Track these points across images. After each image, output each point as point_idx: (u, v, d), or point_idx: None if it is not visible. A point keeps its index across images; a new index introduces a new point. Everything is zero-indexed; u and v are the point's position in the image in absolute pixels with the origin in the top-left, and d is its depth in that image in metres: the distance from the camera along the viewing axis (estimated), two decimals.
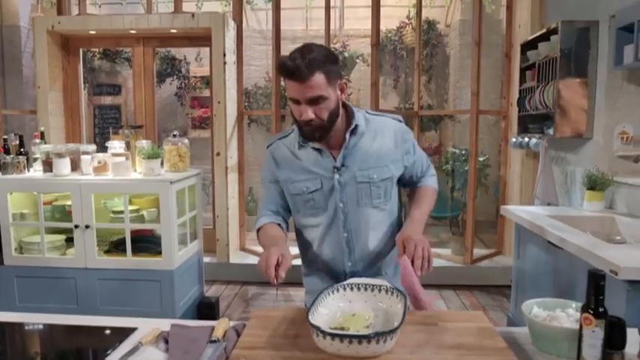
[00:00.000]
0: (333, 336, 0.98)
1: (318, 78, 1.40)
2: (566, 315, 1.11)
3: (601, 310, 0.93)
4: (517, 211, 2.89)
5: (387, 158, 1.57)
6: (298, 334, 1.12)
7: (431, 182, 1.71)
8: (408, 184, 1.70)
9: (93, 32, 4.41)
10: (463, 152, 4.70)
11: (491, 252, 4.50)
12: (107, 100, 7.15)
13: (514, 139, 3.81)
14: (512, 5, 4.30)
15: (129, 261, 3.05)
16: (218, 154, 4.27)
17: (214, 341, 1.12)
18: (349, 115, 1.57)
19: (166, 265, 3.00)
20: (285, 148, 1.63)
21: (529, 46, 3.61)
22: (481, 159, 4.58)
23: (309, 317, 1.06)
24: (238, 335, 1.15)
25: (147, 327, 1.27)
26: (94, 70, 6.92)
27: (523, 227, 2.76)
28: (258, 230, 1.64)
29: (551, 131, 3.23)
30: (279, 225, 1.63)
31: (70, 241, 3.28)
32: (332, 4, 4.46)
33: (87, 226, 3.03)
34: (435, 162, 6.36)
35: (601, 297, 0.93)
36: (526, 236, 2.75)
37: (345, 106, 1.57)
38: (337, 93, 1.49)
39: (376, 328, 1.12)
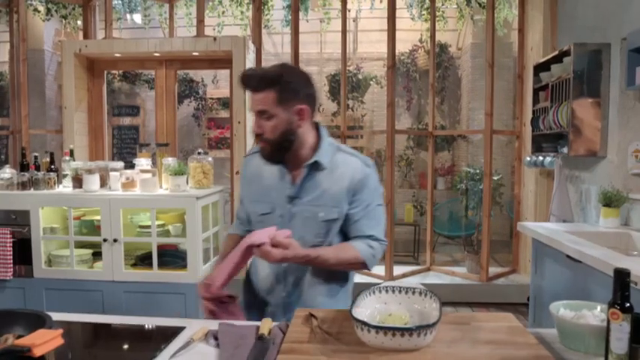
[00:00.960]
0: (378, 329, 1.07)
1: (267, 94, 1.43)
2: (593, 315, 1.19)
3: (627, 305, 1.00)
4: (534, 227, 2.95)
5: (338, 200, 1.54)
6: (340, 330, 1.20)
7: (360, 246, 1.54)
8: (345, 237, 1.60)
9: (118, 55, 4.58)
10: (477, 171, 4.78)
11: (506, 270, 4.54)
12: (126, 120, 7.33)
13: (528, 158, 3.89)
14: (523, 28, 4.43)
15: (155, 274, 3.13)
16: (237, 172, 4.38)
17: (261, 337, 1.20)
18: (317, 149, 1.55)
19: (191, 278, 3.08)
20: (253, 163, 1.66)
21: (542, 67, 3.72)
22: (495, 178, 4.66)
23: (353, 311, 1.14)
24: (283, 333, 1.23)
25: (194, 326, 1.36)
26: (114, 92, 7.13)
27: (540, 242, 2.82)
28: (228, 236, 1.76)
29: (565, 150, 3.31)
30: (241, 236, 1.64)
31: (96, 255, 3.38)
32: (340, 28, 4.61)
33: (115, 240, 3.13)
34: (448, 182, 6.44)
35: (627, 293, 1.00)
36: (543, 251, 2.81)
37: (319, 137, 1.57)
38: (292, 116, 1.47)
39: None
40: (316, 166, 1.54)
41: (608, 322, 1.02)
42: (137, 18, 5.55)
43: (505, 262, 4.99)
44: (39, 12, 5.01)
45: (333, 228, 1.56)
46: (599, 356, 1.10)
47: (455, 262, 5.33)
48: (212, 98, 7.02)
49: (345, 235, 1.60)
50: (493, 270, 4.47)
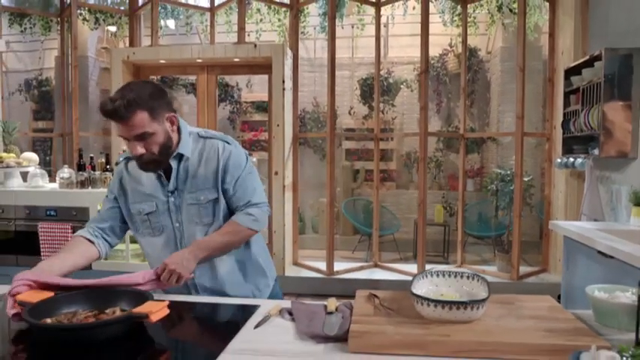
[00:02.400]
0: (436, 303, 1.24)
1: (140, 116, 1.48)
2: (625, 296, 1.34)
3: None
4: (566, 225, 3.08)
5: (210, 181, 1.67)
6: (400, 306, 1.37)
7: (240, 218, 1.68)
8: (230, 212, 1.72)
9: (163, 61, 4.85)
10: (508, 173, 4.89)
11: (536, 269, 4.65)
12: None
13: (559, 160, 4.00)
14: (554, 33, 4.53)
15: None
16: (276, 173, 4.59)
17: (331, 313, 1.39)
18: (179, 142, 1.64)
19: None
20: (129, 168, 1.73)
21: (573, 71, 3.83)
22: (526, 179, 4.76)
23: (413, 290, 1.32)
24: (349, 309, 1.41)
25: (267, 305, 1.55)
26: None
27: (572, 240, 2.95)
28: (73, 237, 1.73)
29: (596, 151, 3.42)
30: (89, 241, 1.69)
31: None
32: (374, 34, 4.79)
33: None
34: (477, 184, 6.55)
35: None
36: (575, 248, 2.93)
37: (179, 132, 1.64)
38: (166, 126, 1.57)
39: None
40: (180, 158, 1.66)
41: (639, 298, 1.18)
42: (171, 24, 5.82)
43: (534, 262, 5.08)
44: (87, 21, 5.31)
45: (218, 207, 1.69)
46: (630, 331, 1.25)
47: (484, 262, 5.44)
48: (246, 102, 7.27)
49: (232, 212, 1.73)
50: (523, 269, 4.58)
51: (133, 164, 1.71)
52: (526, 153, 5.88)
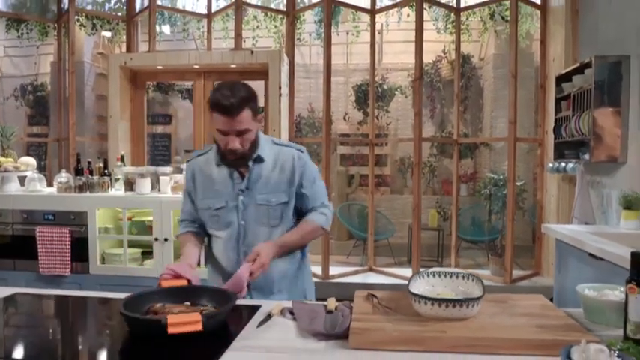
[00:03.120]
0: (433, 301, 1.29)
1: (246, 113, 1.64)
2: (613, 294, 1.39)
3: None
4: (558, 228, 3.14)
5: (283, 185, 1.79)
6: (398, 305, 1.42)
7: (316, 217, 1.84)
8: (298, 214, 1.86)
9: (160, 67, 4.88)
10: (501, 177, 4.96)
11: (529, 273, 4.71)
12: (159, 129, 7.68)
13: (551, 165, 4.08)
14: (545, 40, 4.62)
15: (202, 270, 3.38)
16: None
17: (331, 312, 1.43)
18: (256, 145, 1.77)
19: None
20: (200, 165, 1.84)
21: (563, 78, 3.92)
22: (518, 184, 4.83)
23: (410, 289, 1.37)
24: (349, 308, 1.46)
25: (268, 305, 1.59)
26: (148, 101, 7.47)
27: (564, 243, 3.01)
28: (177, 237, 1.94)
29: (587, 156, 3.49)
30: (194, 233, 1.88)
31: (144, 253, 3.66)
32: (369, 41, 4.86)
33: (165, 239, 3.40)
34: (470, 189, 6.62)
35: None
36: (567, 251, 3.00)
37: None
38: (257, 125, 1.73)
39: None
40: (258, 160, 1.77)
41: (627, 295, 1.23)
42: (166, 30, 5.86)
43: (527, 266, 5.14)
44: (85, 27, 5.34)
45: (286, 210, 1.81)
46: (618, 327, 1.30)
47: (478, 266, 5.50)
48: None
49: (299, 214, 1.87)
50: (516, 273, 4.64)
51: (204, 160, 1.84)
52: (518, 158, 5.96)
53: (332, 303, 1.50)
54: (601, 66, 3.40)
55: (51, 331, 1.49)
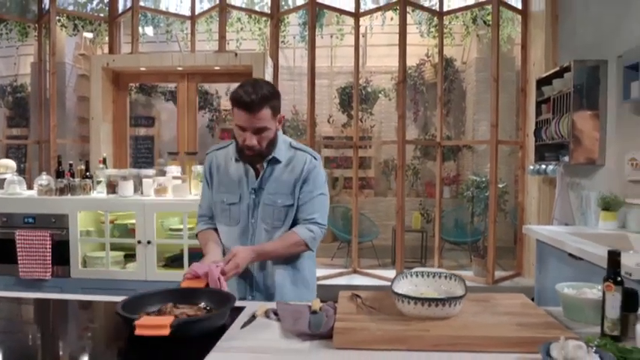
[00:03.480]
0: (416, 300, 1.31)
1: (266, 111, 1.64)
2: (592, 292, 1.43)
3: (618, 279, 1.24)
4: (539, 229, 3.19)
5: (290, 187, 1.80)
6: (382, 305, 1.43)
7: (302, 232, 1.78)
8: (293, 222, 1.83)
9: (143, 69, 4.84)
10: (483, 180, 5.02)
11: (511, 273, 4.77)
12: (141, 131, 7.62)
13: (532, 167, 4.14)
14: (526, 45, 4.70)
15: None
16: None
17: (315, 312, 1.44)
18: (274, 145, 1.77)
19: None
20: (219, 159, 1.86)
21: (544, 82, 3.98)
22: (500, 186, 4.90)
23: (394, 289, 1.38)
24: (333, 309, 1.46)
25: (252, 306, 1.59)
26: (131, 103, 7.40)
27: (544, 243, 3.06)
28: (197, 234, 1.93)
29: (566, 159, 3.55)
30: (215, 230, 1.88)
31: (127, 257, 3.62)
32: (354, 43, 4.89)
33: (148, 242, 3.37)
34: (453, 191, 6.69)
35: (618, 269, 1.24)
36: (547, 251, 3.05)
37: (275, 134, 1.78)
38: (277, 125, 1.74)
39: None
40: (274, 161, 1.79)
41: (604, 293, 1.26)
42: (149, 31, 5.82)
43: (509, 267, 5.20)
44: (66, 28, 5.28)
45: (289, 213, 1.81)
46: (596, 325, 1.33)
47: (461, 267, 5.55)
48: (226, 110, 7.30)
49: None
50: (498, 274, 4.70)
51: (224, 154, 1.85)
52: (500, 160, 6.04)
53: (316, 304, 1.51)
54: (580, 70, 3.46)
55: (30, 336, 1.47)
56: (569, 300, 1.41)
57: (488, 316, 1.35)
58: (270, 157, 1.77)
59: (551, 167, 3.81)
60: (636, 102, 3.11)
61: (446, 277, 1.55)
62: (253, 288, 1.85)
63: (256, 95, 1.62)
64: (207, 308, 1.47)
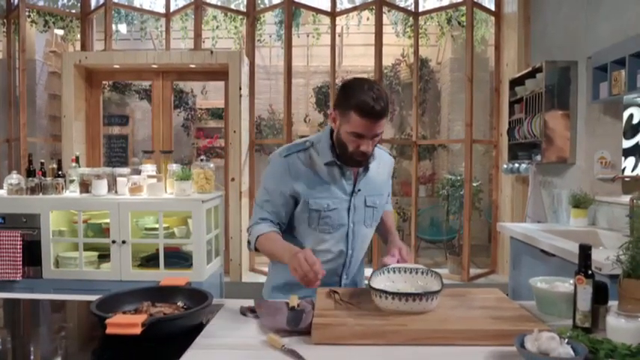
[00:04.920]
0: (394, 295, 1.32)
1: (385, 118, 1.60)
2: (564, 286, 1.46)
3: (589, 272, 1.27)
4: (512, 226, 3.26)
5: (383, 187, 1.83)
6: (359, 301, 1.44)
7: (391, 207, 2.00)
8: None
9: (117, 66, 4.77)
10: (458, 178, 5.09)
11: (485, 271, 4.85)
12: (115, 130, 7.48)
13: (505, 166, 4.21)
14: (499, 46, 4.78)
15: (162, 273, 3.32)
16: (233, 179, 4.60)
17: (293, 308, 1.44)
18: None
19: (196, 277, 3.27)
20: (301, 162, 1.71)
21: (517, 82, 4.06)
22: (475, 184, 4.97)
23: (371, 284, 1.39)
24: (311, 305, 1.46)
25: (230, 304, 1.59)
26: (104, 102, 7.26)
27: (518, 240, 3.12)
28: (258, 237, 1.69)
29: (539, 157, 3.63)
30: (279, 233, 1.71)
31: (101, 257, 3.56)
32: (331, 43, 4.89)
33: (123, 242, 3.32)
34: (429, 190, 6.76)
35: (589, 263, 1.28)
36: (521, 248, 3.11)
37: None
38: None
39: None
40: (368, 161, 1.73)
41: (575, 286, 1.29)
42: (122, 28, 5.72)
43: (483, 264, 5.29)
44: (36, 24, 5.16)
45: (381, 210, 1.85)
46: (568, 318, 1.36)
47: (436, 265, 5.61)
48: (201, 109, 7.23)
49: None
50: (473, 271, 4.77)
51: (306, 157, 1.71)
52: (475, 159, 6.13)
53: (294, 300, 1.50)
54: (551, 71, 3.54)
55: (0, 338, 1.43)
56: (542, 293, 1.44)
57: (464, 310, 1.37)
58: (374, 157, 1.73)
59: (524, 166, 3.88)
60: (604, 102, 3.20)
61: (422, 272, 1.57)
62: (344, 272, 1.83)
63: (383, 102, 1.54)
64: (185, 307, 1.46)
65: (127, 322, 1.21)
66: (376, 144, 1.68)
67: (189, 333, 1.31)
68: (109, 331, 1.20)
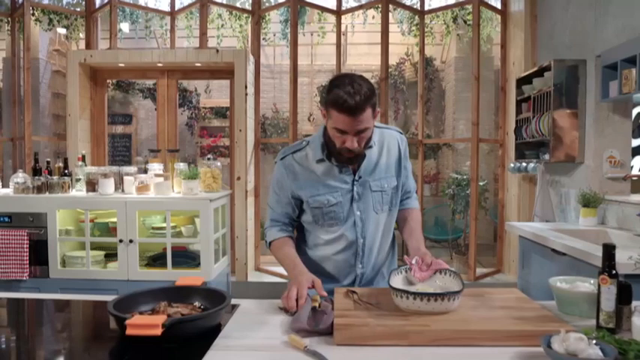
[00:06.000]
0: (415, 295, 1.30)
1: (368, 112, 1.53)
2: (584, 286, 1.45)
3: (613, 272, 1.26)
4: (521, 226, 3.24)
5: (393, 169, 1.77)
6: (378, 301, 1.43)
7: (416, 204, 1.92)
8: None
9: (122, 65, 4.75)
10: (464, 177, 5.07)
11: (492, 270, 4.83)
12: (119, 129, 7.47)
13: (512, 165, 4.20)
14: (506, 45, 4.76)
15: (170, 273, 3.31)
16: (239, 178, 4.58)
17: (314, 308, 1.42)
18: None
19: (204, 276, 3.26)
20: (298, 162, 1.73)
21: (524, 81, 4.04)
22: (481, 183, 4.95)
23: (391, 284, 1.38)
24: (331, 304, 1.45)
25: (246, 304, 1.57)
26: (108, 101, 7.25)
27: (527, 240, 3.11)
28: (271, 242, 1.78)
29: (547, 156, 3.61)
30: (291, 237, 1.79)
31: (108, 256, 3.55)
32: (335, 42, 4.88)
33: (130, 241, 3.30)
34: (433, 188, 6.75)
35: (613, 262, 1.27)
36: (530, 247, 3.09)
37: None
38: (374, 122, 1.63)
39: None
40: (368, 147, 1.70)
41: (599, 286, 1.28)
42: (125, 27, 5.70)
43: (489, 264, 5.27)
44: (40, 22, 5.14)
45: (396, 195, 1.79)
46: (591, 318, 1.35)
47: None
48: (205, 107, 7.21)
49: None
50: (479, 271, 4.75)
51: (302, 157, 1.73)
52: (480, 158, 6.12)
53: (316, 300, 1.49)
54: (560, 69, 3.52)
55: (3, 338, 1.41)
56: (563, 293, 1.43)
57: (485, 310, 1.36)
58: (371, 143, 1.69)
59: (532, 165, 3.86)
60: (614, 101, 3.19)
61: (440, 272, 1.56)
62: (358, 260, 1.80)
63: (360, 96, 1.49)
64: (202, 307, 1.44)
65: (147, 323, 1.19)
66: (367, 141, 1.63)
67: (207, 334, 1.30)
68: (129, 332, 1.18)
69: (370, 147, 1.70)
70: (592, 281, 1.47)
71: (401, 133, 1.84)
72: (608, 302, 1.26)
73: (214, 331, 1.32)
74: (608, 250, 1.27)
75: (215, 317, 1.35)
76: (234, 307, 1.54)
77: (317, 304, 1.44)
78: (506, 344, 1.19)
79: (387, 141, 1.77)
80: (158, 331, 1.18)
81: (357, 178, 1.71)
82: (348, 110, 1.50)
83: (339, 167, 1.70)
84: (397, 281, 1.50)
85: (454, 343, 1.20)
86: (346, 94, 1.49)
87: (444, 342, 1.20)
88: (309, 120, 7.06)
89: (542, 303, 1.49)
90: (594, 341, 1.07)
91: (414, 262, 1.60)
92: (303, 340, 1.22)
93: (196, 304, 1.47)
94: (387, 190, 1.75)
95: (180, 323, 1.24)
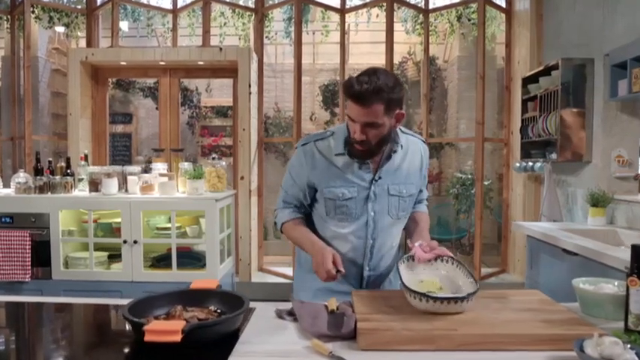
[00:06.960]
0: (435, 299, 1.27)
1: (378, 106, 1.48)
2: (609, 287, 1.42)
3: None
4: (529, 225, 3.21)
5: (413, 177, 1.73)
6: (399, 304, 1.40)
7: (426, 209, 1.92)
8: None
9: (123, 63, 4.71)
10: (469, 177, 5.05)
11: (496, 270, 4.81)
12: (119, 128, 7.41)
13: (518, 164, 4.17)
14: (511, 43, 4.74)
15: (175, 274, 3.27)
16: (242, 178, 4.55)
17: (333, 312, 1.39)
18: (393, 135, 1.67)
19: (210, 277, 3.23)
20: (318, 150, 1.69)
21: (530, 80, 4.02)
22: (486, 183, 4.93)
23: (405, 284, 1.35)
24: (351, 307, 1.42)
25: (262, 307, 1.54)
26: (108, 100, 7.20)
27: (535, 239, 3.08)
28: (283, 223, 1.77)
29: (554, 156, 3.59)
30: (303, 220, 1.78)
31: (111, 257, 3.50)
32: (339, 40, 4.84)
33: (135, 242, 3.26)
34: (436, 188, 6.72)
35: None
36: (539, 247, 3.06)
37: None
38: (392, 121, 1.57)
39: (447, 292, 1.41)
40: (392, 149, 1.68)
41: (628, 288, 1.25)
42: (124, 26, 5.65)
43: (493, 264, 5.25)
44: (41, 20, 5.09)
45: (411, 202, 1.77)
46: (616, 320, 1.32)
47: None
48: (206, 107, 7.17)
49: None
50: (484, 270, 4.73)
51: (325, 146, 1.69)
52: (484, 158, 6.10)
53: (333, 303, 1.45)
54: (567, 68, 3.50)
55: (2, 339, 1.37)
56: (589, 295, 1.40)
57: (510, 313, 1.33)
58: (387, 152, 1.66)
59: (539, 164, 3.84)
60: (623, 100, 3.16)
61: (442, 260, 1.53)
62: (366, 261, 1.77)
63: (369, 86, 1.46)
64: (218, 311, 1.41)
65: (166, 329, 1.15)
66: (381, 137, 1.58)
67: (225, 339, 1.26)
68: (147, 338, 1.14)
69: (395, 151, 1.68)
70: (616, 282, 1.44)
71: (424, 142, 1.82)
72: (638, 304, 1.23)
73: (232, 337, 1.28)
74: (638, 252, 1.24)
75: (234, 322, 1.31)
76: (251, 310, 1.51)
77: (335, 307, 1.40)
78: (536, 348, 1.16)
79: (411, 148, 1.74)
80: (178, 337, 1.14)
81: (376, 178, 1.67)
82: (353, 96, 1.50)
83: (359, 163, 1.66)
84: (403, 269, 1.47)
85: (481, 347, 1.17)
86: (357, 82, 1.49)
87: (471, 346, 1.17)
88: (311, 119, 7.03)
89: (565, 305, 1.46)
90: (629, 345, 1.04)
91: (417, 244, 1.57)
92: (326, 345, 1.18)
93: (212, 307, 1.43)
94: (404, 196, 1.72)
95: (199, 328, 1.21)
